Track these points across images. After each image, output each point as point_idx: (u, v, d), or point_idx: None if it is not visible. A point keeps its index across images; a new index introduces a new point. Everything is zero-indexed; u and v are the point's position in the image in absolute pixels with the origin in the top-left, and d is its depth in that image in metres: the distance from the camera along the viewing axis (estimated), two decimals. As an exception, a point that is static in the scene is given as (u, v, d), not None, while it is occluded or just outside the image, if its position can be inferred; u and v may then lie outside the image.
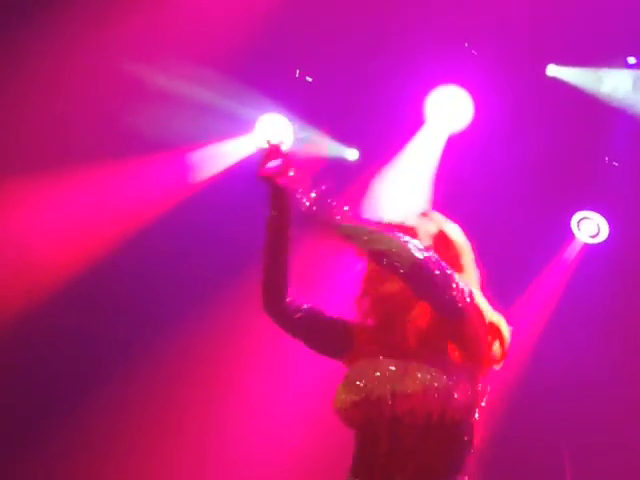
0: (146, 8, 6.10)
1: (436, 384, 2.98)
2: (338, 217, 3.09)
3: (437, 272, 2.96)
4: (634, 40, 6.27)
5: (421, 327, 3.11)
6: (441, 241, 3.24)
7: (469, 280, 3.17)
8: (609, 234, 7.14)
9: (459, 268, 3.17)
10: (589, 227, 7.17)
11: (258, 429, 6.97)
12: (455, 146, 6.83)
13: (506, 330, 3.22)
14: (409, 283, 2.99)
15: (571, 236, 7.20)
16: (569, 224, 7.18)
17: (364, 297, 3.22)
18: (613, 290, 7.06)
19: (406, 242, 2.98)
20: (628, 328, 7.07)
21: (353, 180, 6.81)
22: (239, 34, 6.22)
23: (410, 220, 3.27)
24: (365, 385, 3.08)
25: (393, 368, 3.07)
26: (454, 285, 2.99)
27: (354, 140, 6.97)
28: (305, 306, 3.30)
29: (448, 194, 6.78)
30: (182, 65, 6.31)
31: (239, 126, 6.90)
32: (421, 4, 6.32)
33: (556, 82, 6.60)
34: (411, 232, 3.17)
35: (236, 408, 6.96)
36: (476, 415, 3.06)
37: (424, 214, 3.32)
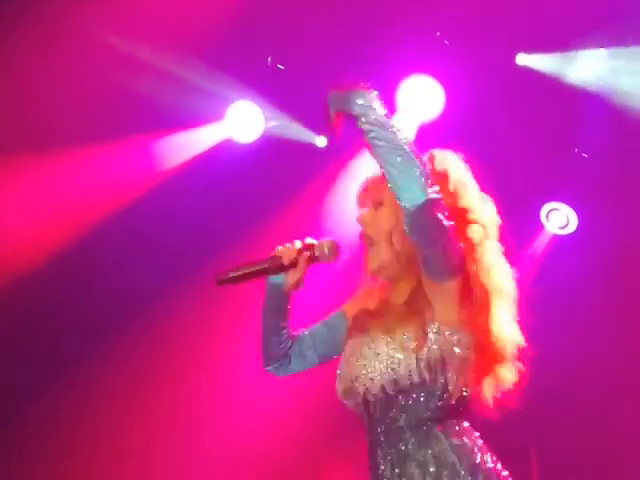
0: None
1: (398, 366, 3.01)
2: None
3: (439, 217, 2.94)
4: (604, 20, 6.25)
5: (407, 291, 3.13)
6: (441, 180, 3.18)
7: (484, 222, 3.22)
8: (578, 225, 7.17)
9: (462, 206, 3.18)
10: (558, 218, 7.19)
11: (233, 413, 6.99)
12: (426, 136, 6.82)
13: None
14: (407, 217, 2.97)
15: (540, 227, 7.22)
16: (538, 215, 7.20)
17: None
18: (582, 281, 7.07)
19: (422, 175, 2.94)
20: (595, 320, 7.09)
21: (322, 168, 6.81)
22: (210, 19, 6.19)
23: None
24: (347, 372, 3.14)
25: (368, 348, 3.09)
26: (450, 238, 2.99)
27: (324, 128, 6.95)
28: (302, 335, 3.37)
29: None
30: (156, 49, 6.28)
31: (210, 113, 6.87)
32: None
33: (526, 71, 6.59)
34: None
35: (211, 391, 6.99)
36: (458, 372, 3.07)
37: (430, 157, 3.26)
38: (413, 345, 3.01)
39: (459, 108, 6.69)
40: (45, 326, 6.74)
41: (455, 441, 3.04)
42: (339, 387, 3.17)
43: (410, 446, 3.03)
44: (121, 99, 6.29)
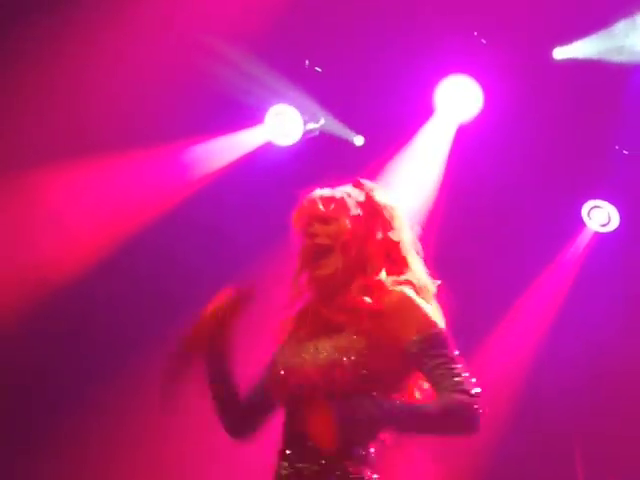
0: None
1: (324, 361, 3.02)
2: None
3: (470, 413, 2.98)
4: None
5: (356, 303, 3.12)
6: (369, 207, 3.22)
7: (404, 241, 3.22)
8: (620, 223, 7.13)
9: (391, 229, 3.21)
10: (600, 216, 7.16)
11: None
12: (465, 135, 6.82)
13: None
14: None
15: (582, 225, 7.19)
16: (580, 213, 7.17)
17: (301, 273, 3.23)
18: (624, 279, 7.05)
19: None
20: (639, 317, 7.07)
21: (361, 167, 6.81)
22: (247, 24, 6.23)
23: (339, 192, 3.25)
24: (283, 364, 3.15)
25: (310, 349, 3.11)
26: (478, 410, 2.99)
27: (363, 129, 6.97)
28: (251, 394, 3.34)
29: (457, 183, 6.78)
30: (196, 56, 6.32)
31: (250, 117, 6.91)
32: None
33: (565, 66, 6.54)
34: (340, 203, 3.20)
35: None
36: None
37: (355, 184, 3.30)
38: None
39: (498, 107, 6.68)
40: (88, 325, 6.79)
41: None
42: None
43: None
44: (163, 104, 6.33)
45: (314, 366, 3.03)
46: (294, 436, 3.06)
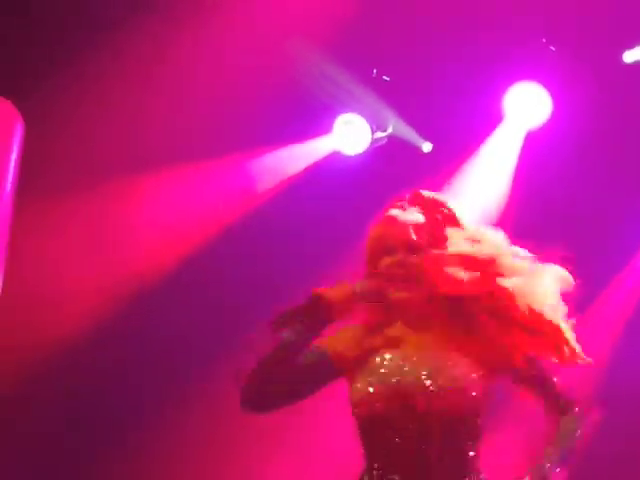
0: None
1: (464, 383, 3.02)
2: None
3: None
4: None
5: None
6: (439, 225, 3.23)
7: (491, 246, 3.19)
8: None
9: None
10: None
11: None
12: (534, 142, 6.79)
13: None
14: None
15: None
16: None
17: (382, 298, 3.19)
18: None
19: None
20: None
21: (430, 174, 6.80)
22: (313, 34, 6.26)
23: (421, 216, 3.25)
24: (397, 379, 3.10)
25: (427, 363, 3.09)
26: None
27: (432, 138, 6.96)
28: None
29: (527, 190, 6.74)
30: (262, 67, 6.37)
31: (318, 126, 6.94)
32: (499, 1, 6.29)
33: (636, 69, 6.47)
34: (428, 230, 3.20)
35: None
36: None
37: (411, 201, 3.30)
38: None
39: (567, 114, 6.64)
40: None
41: None
42: None
43: None
44: (233, 114, 6.39)
45: (426, 391, 3.03)
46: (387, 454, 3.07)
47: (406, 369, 3.09)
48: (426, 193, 3.30)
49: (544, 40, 6.45)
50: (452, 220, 3.23)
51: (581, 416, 3.07)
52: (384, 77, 6.77)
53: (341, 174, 6.96)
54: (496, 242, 3.24)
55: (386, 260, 3.19)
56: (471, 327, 3.15)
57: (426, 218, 3.24)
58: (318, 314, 3.11)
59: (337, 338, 3.25)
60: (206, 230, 6.80)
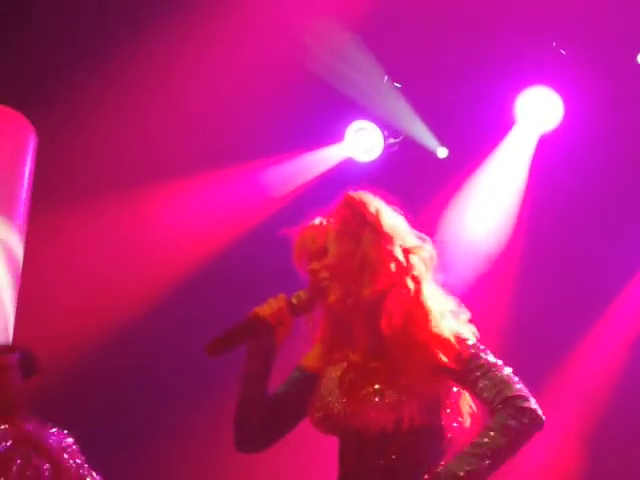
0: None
1: (387, 400, 2.93)
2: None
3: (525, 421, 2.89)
4: None
5: (397, 326, 3.01)
6: (361, 225, 3.11)
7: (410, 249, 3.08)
8: None
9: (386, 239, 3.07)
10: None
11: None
12: (547, 146, 6.79)
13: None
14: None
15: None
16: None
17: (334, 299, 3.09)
18: None
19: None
20: None
21: (445, 179, 6.80)
22: (326, 41, 6.28)
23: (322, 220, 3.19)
24: (327, 401, 3.05)
25: (352, 378, 3.03)
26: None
27: (444, 142, 6.96)
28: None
29: (541, 194, 6.74)
30: (276, 74, 6.39)
31: (330, 134, 6.95)
32: (509, 5, 6.29)
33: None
34: (325, 232, 3.15)
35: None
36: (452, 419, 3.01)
37: (346, 201, 3.19)
38: None
39: (580, 117, 6.64)
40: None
41: None
42: None
43: None
44: (245, 122, 6.42)
45: (379, 407, 2.94)
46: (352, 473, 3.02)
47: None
48: (349, 195, 3.22)
49: (554, 44, 6.45)
50: (361, 221, 3.11)
51: (514, 415, 2.86)
52: (395, 84, 6.77)
53: (354, 181, 6.95)
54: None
55: (305, 270, 3.18)
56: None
57: (336, 220, 3.15)
58: (255, 331, 3.09)
59: (309, 356, 3.20)
60: (219, 239, 6.82)
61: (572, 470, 6.56)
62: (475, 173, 6.85)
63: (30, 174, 6.10)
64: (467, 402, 3.02)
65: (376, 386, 2.96)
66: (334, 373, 3.09)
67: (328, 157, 7.02)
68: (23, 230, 6.02)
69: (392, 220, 3.13)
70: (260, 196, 6.97)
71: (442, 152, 6.96)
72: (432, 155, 6.95)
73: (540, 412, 2.90)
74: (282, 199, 6.93)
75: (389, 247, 3.05)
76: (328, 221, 3.17)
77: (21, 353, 4.88)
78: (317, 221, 3.20)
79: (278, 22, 6.29)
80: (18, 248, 6.00)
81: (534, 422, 2.89)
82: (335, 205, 3.21)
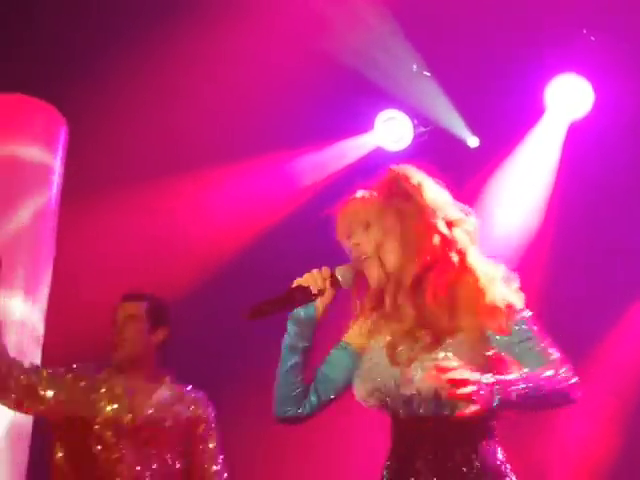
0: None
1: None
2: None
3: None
4: None
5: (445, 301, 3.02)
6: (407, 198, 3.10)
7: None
8: None
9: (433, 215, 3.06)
10: None
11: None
12: (577, 133, 6.76)
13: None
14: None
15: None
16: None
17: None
18: None
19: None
20: None
21: (475, 168, 6.79)
22: (355, 31, 6.28)
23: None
24: (376, 372, 3.06)
25: (400, 348, 3.04)
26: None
27: (474, 132, 6.95)
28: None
29: (571, 182, 6.71)
30: (304, 65, 6.38)
31: (359, 124, 6.95)
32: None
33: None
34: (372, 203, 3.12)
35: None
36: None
37: (384, 187, 3.16)
38: None
39: (609, 104, 6.60)
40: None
41: None
42: None
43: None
44: (272, 114, 6.42)
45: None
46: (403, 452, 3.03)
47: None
48: (393, 168, 3.21)
49: (584, 31, 6.42)
50: (404, 194, 3.11)
51: (558, 380, 2.89)
52: (425, 72, 6.76)
53: (384, 170, 6.96)
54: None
55: (348, 244, 3.16)
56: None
57: (379, 193, 3.15)
58: (295, 299, 3.10)
59: (351, 331, 3.21)
60: (249, 230, 6.84)
61: (604, 460, 6.55)
62: (506, 162, 6.83)
63: (62, 164, 6.14)
64: (515, 370, 3.00)
65: (425, 354, 2.97)
66: (380, 345, 3.10)
67: (358, 147, 7.03)
68: (54, 221, 6.06)
69: (435, 193, 3.12)
70: (289, 186, 6.98)
71: (473, 141, 6.94)
72: (461, 144, 6.94)
73: (579, 386, 2.94)
74: (312, 189, 6.94)
75: (432, 220, 3.04)
76: (371, 194, 3.17)
77: (150, 302, 4.71)
78: (360, 194, 3.19)
79: (308, 9, 6.28)
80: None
81: (572, 389, 2.92)
82: (378, 178, 3.19)
